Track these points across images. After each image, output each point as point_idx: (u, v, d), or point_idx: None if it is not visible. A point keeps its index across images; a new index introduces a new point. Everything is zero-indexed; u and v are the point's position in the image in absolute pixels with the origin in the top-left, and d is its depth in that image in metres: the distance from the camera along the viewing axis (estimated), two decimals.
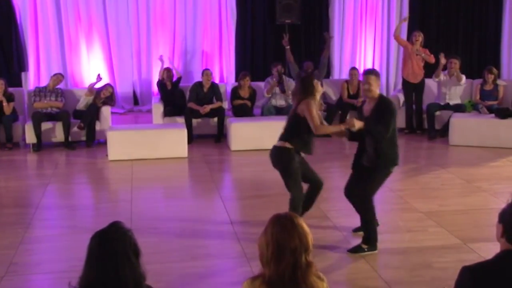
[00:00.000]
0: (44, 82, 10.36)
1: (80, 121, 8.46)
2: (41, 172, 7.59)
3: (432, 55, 9.24)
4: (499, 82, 9.32)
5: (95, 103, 8.66)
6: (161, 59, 9.78)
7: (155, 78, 10.82)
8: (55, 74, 8.90)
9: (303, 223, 2.37)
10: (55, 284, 4.24)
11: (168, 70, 9.48)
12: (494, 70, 9.27)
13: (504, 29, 11.67)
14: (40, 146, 8.32)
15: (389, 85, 11.76)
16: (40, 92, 8.64)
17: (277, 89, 9.20)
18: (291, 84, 9.25)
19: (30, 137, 8.33)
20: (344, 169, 5.23)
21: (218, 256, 4.73)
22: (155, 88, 10.35)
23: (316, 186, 5.05)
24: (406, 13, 11.50)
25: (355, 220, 5.07)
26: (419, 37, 9.31)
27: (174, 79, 9.51)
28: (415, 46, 9.24)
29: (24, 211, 5.80)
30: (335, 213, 5.42)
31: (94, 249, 2.29)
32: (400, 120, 9.03)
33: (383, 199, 5.52)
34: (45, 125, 8.40)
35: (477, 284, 2.35)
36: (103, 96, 8.75)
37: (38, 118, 8.31)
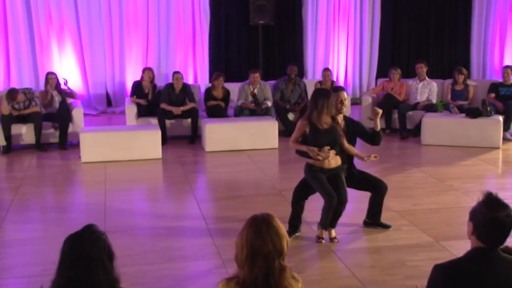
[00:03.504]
0: (14, 83, 10.20)
1: (52, 123, 8.33)
2: (12, 174, 7.45)
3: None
4: (469, 82, 9.48)
5: (64, 100, 8.59)
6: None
7: (129, 79, 10.75)
8: (12, 98, 8.17)
9: (280, 225, 2.36)
10: None
11: (149, 70, 9.17)
12: (464, 71, 9.43)
13: (473, 30, 11.90)
14: (9, 148, 8.18)
15: (362, 85, 11.88)
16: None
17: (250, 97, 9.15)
18: (267, 90, 9.25)
19: (0, 139, 8.19)
20: None
21: (193, 257, 4.71)
22: (128, 89, 10.23)
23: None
24: (378, 14, 11.65)
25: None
26: (397, 74, 9.46)
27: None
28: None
29: None
30: (309, 213, 5.43)
31: (67, 253, 2.26)
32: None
33: (358, 198, 5.56)
34: (16, 127, 8.25)
35: (449, 281, 2.38)
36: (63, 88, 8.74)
37: (8, 120, 8.15)
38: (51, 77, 8.76)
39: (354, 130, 5.07)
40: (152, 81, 9.12)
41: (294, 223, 5.05)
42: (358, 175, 5.13)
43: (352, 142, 5.09)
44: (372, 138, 5.13)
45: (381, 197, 5.14)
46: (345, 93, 5.04)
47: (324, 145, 4.74)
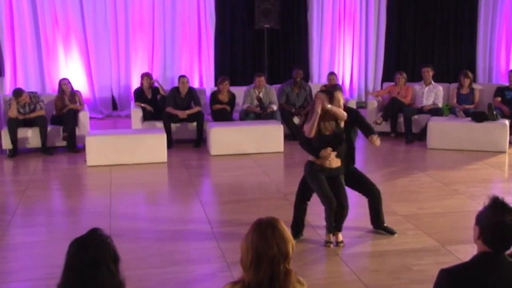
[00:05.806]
0: (20, 87, 10.21)
1: (62, 131, 8.30)
2: (18, 178, 7.48)
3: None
4: (474, 86, 9.46)
5: (71, 108, 8.58)
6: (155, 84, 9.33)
7: (134, 83, 10.76)
8: (18, 95, 8.27)
9: (285, 229, 2.35)
10: None
11: (147, 76, 9.31)
12: (470, 75, 9.40)
13: (479, 34, 11.86)
14: (15, 152, 8.20)
15: (368, 89, 11.85)
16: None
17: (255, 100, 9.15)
18: (272, 93, 9.26)
19: (6, 143, 8.21)
20: None
21: (197, 261, 4.71)
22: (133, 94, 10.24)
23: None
24: (383, 17, 11.64)
25: None
26: (402, 78, 9.43)
27: (155, 85, 9.38)
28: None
29: (0, 217, 5.70)
30: (314, 217, 5.43)
31: (73, 256, 2.26)
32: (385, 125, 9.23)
33: (363, 203, 5.54)
34: (22, 131, 8.27)
35: (455, 286, 2.37)
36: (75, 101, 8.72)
37: (14, 123, 8.18)
38: (64, 82, 8.77)
39: (352, 118, 5.00)
40: (151, 85, 9.17)
41: (297, 227, 5.05)
42: (354, 172, 5.14)
43: (353, 133, 5.09)
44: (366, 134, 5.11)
45: (375, 202, 5.15)
46: (339, 93, 4.96)
47: (327, 146, 4.79)
